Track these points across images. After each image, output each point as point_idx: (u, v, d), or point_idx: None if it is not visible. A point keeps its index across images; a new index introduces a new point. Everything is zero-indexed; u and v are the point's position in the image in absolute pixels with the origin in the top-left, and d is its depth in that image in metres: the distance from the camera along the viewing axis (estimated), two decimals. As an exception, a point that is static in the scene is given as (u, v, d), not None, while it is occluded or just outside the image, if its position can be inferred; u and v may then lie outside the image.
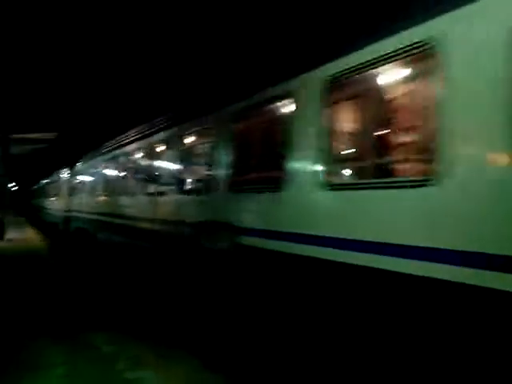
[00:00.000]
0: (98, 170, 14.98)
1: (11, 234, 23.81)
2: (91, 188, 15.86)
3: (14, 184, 49.85)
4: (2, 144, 22.79)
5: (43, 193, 38.06)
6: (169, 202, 8.47)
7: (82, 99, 17.77)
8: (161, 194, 8.84)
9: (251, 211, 5.79)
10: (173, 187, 8.32)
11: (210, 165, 7.11)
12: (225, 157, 6.55)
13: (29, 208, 55.08)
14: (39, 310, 8.39)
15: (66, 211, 21.20)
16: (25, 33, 11.87)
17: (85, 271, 13.39)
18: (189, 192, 7.95)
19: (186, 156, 8.22)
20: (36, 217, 40.41)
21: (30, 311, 8.32)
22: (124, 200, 11.37)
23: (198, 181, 7.95)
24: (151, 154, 9.90)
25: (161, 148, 9.40)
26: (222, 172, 6.55)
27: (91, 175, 16.21)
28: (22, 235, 25.87)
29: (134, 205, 10.51)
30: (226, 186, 6.39)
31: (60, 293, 10.07)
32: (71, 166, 20.92)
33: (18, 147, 26.09)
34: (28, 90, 16.35)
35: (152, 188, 9.55)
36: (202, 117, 7.40)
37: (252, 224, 5.68)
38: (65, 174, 23.30)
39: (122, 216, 11.24)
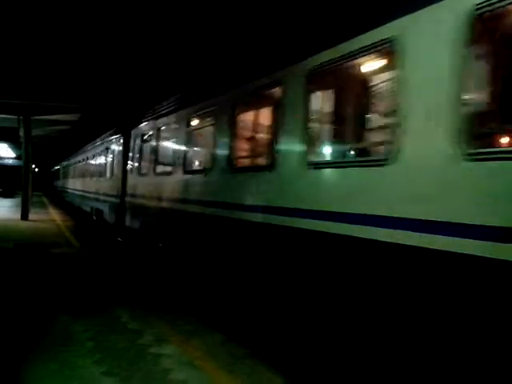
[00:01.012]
0: (200, 126, 8.79)
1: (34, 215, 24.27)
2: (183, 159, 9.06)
3: (34, 166, 50.46)
4: (25, 126, 23.08)
5: (70, 172, 32.35)
6: None
7: (105, 79, 17.74)
8: None
9: None
10: None
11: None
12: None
13: (50, 190, 55.50)
14: (68, 290, 8.63)
15: (115, 196, 15.08)
16: (46, 15, 11.93)
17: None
18: None
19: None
20: (60, 199, 38.94)
21: (55, 290, 8.56)
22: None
23: None
24: None
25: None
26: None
27: (181, 138, 9.22)
28: (45, 216, 26.33)
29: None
30: None
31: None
32: (127, 129, 14.09)
33: (38, 129, 26.35)
34: (50, 70, 16.46)
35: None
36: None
37: None
38: (112, 144, 16.61)
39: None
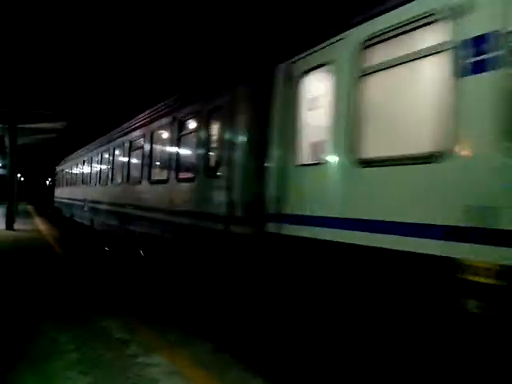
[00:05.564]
0: None
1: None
2: None
3: (19, 175, 49.72)
4: (10, 134, 22.79)
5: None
6: None
7: (91, 87, 17.63)
8: None
9: None
10: None
11: None
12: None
13: (46, 203, 50.70)
14: (50, 299, 8.49)
15: None
16: (34, 23, 11.83)
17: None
18: None
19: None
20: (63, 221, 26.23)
21: (41, 300, 8.41)
22: None
23: None
24: None
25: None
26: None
27: None
28: (31, 226, 25.99)
29: None
30: None
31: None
32: None
33: (24, 138, 26.04)
34: (36, 78, 16.32)
35: None
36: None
37: None
38: None
39: None
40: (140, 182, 11.16)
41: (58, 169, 31.77)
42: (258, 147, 6.15)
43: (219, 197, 6.99)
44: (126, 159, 12.91)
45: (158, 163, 10.63)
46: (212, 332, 6.51)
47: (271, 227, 5.80)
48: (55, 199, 31.90)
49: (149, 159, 10.77)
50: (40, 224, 27.66)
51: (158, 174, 10.36)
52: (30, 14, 11.41)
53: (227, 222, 6.68)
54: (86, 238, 18.08)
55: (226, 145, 6.94)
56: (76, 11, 11.37)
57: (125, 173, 12.78)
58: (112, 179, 14.35)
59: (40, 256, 13.67)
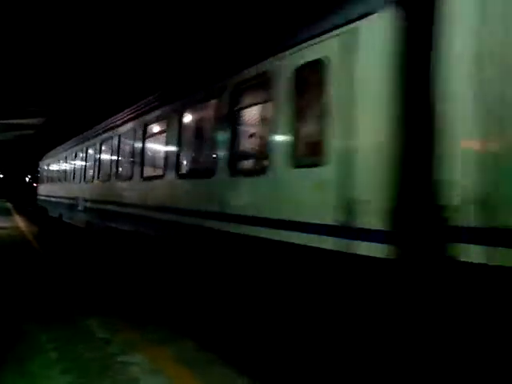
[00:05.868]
0: None
1: None
2: None
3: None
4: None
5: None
6: None
7: (70, 82, 17.29)
8: None
9: None
10: None
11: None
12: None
13: (26, 200, 47.25)
14: (33, 297, 8.35)
15: None
16: (10, 19, 11.57)
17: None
18: None
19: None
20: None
21: (22, 298, 8.26)
22: None
23: None
24: None
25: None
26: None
27: None
28: (10, 223, 25.61)
29: None
30: None
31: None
32: None
33: (1, 134, 25.57)
34: (13, 73, 16.01)
35: None
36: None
37: None
38: None
39: None
40: (162, 178, 8.63)
41: (42, 164, 29.80)
42: (415, 116, 3.85)
43: (322, 196, 4.71)
44: (139, 149, 10.10)
45: (192, 151, 8.39)
46: (196, 330, 6.48)
47: (474, 253, 3.26)
48: (38, 197, 30.78)
49: (176, 147, 8.16)
50: (20, 221, 27.23)
51: (195, 166, 8.25)
52: (10, 11, 11.18)
53: (341, 236, 4.43)
54: (67, 235, 17.83)
55: (337, 116, 4.63)
56: (56, 7, 11.16)
57: (137, 167, 10.08)
58: (116, 174, 11.90)
59: (21, 254, 13.46)
